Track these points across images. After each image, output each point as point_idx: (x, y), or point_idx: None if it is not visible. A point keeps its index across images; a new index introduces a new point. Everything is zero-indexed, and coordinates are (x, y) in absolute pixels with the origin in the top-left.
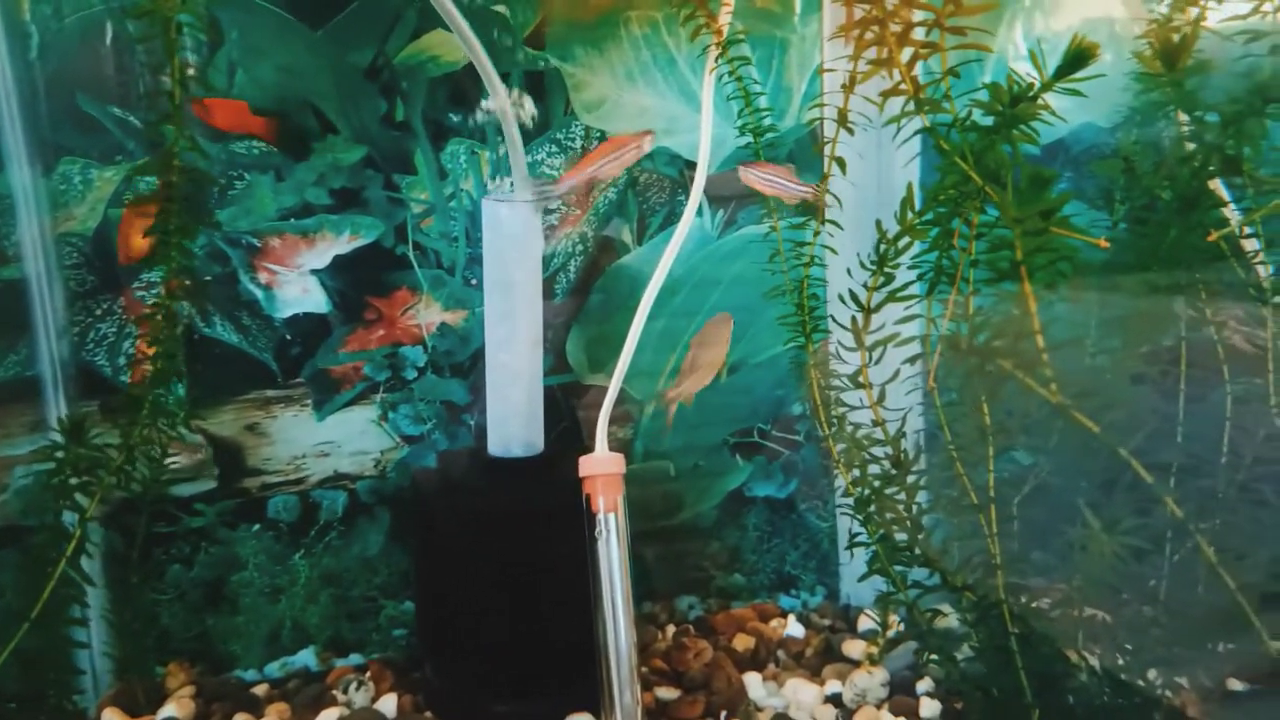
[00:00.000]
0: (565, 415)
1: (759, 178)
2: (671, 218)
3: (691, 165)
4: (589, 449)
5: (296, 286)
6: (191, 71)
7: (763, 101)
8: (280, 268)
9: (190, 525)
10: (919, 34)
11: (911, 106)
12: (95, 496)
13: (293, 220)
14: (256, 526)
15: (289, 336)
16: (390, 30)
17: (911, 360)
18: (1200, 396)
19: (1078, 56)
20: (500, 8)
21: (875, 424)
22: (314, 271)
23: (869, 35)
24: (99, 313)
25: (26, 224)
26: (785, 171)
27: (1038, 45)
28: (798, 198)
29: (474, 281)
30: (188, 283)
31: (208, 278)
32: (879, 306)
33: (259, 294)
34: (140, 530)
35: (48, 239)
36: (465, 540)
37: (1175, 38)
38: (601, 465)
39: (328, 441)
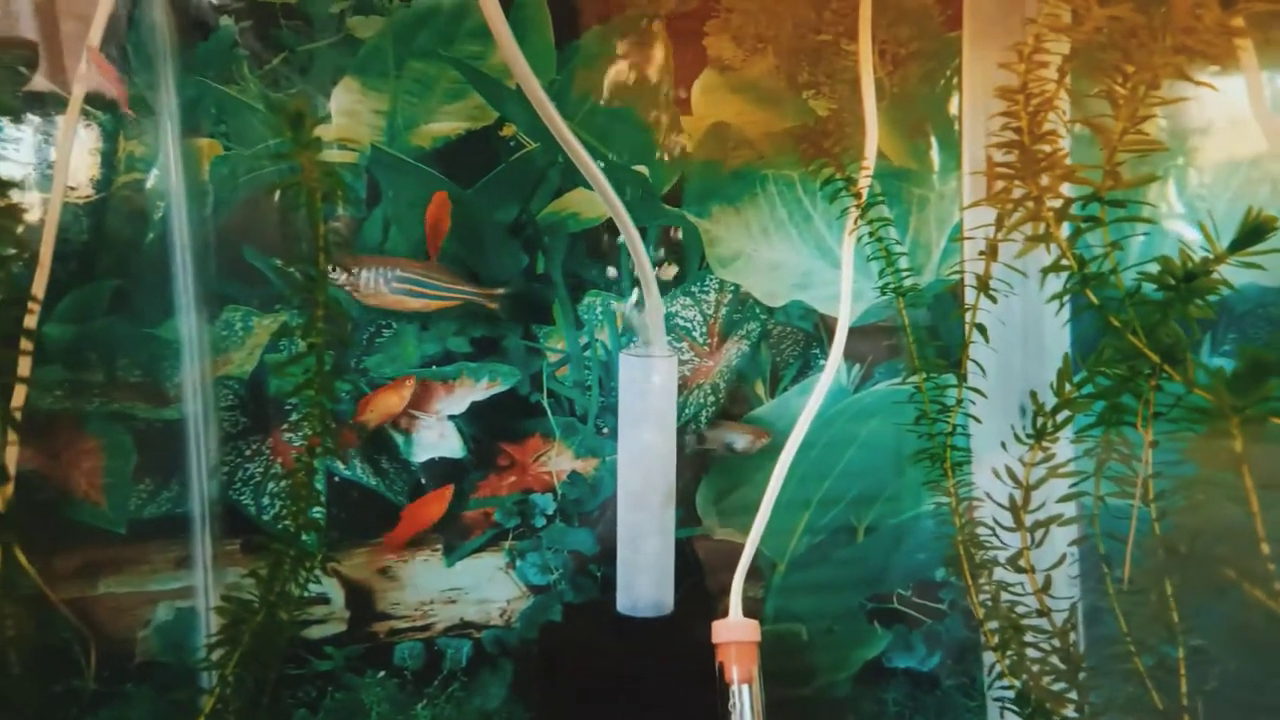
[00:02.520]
0: (694, 571)
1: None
2: (805, 371)
3: (826, 319)
4: (716, 607)
5: (434, 431)
6: (339, 227)
7: (904, 261)
8: (420, 413)
9: (318, 669)
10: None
11: (1076, 283)
12: (237, 651)
13: (434, 367)
14: (382, 673)
15: (423, 480)
16: (534, 189)
17: (1077, 543)
18: None
19: (1256, 229)
20: (641, 167)
21: (1040, 613)
22: (451, 417)
23: (1023, 210)
24: (248, 453)
25: (189, 368)
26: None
27: (1207, 215)
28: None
29: (605, 430)
30: (329, 435)
31: (350, 422)
32: (1039, 484)
33: (398, 438)
34: (272, 673)
35: (207, 382)
36: (589, 700)
37: None
38: (736, 632)
39: (455, 588)
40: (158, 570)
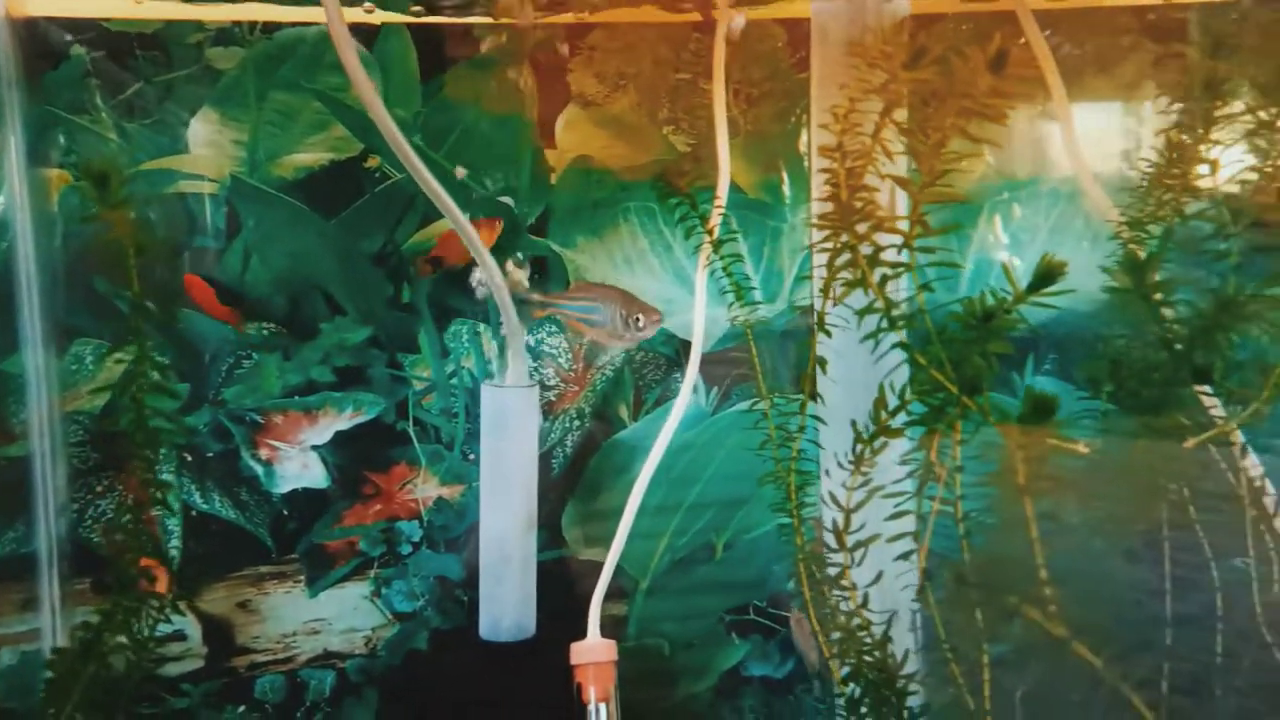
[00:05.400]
0: (558, 593)
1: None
2: (667, 394)
3: (686, 344)
4: (580, 628)
5: (297, 462)
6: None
7: (757, 294)
8: (282, 444)
9: (175, 706)
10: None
11: (885, 324)
12: (73, 695)
13: (297, 398)
14: (242, 708)
15: (286, 512)
16: (400, 219)
17: (904, 557)
18: (1186, 595)
19: (1046, 275)
20: (506, 199)
21: (861, 628)
22: (315, 447)
23: (842, 259)
24: (99, 489)
25: (36, 403)
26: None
27: (1009, 259)
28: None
29: (472, 457)
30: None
31: (209, 454)
32: (859, 506)
33: (259, 470)
34: (120, 716)
35: (55, 417)
36: None
37: (1142, 256)
38: (593, 653)
39: (319, 619)
40: (1, 613)
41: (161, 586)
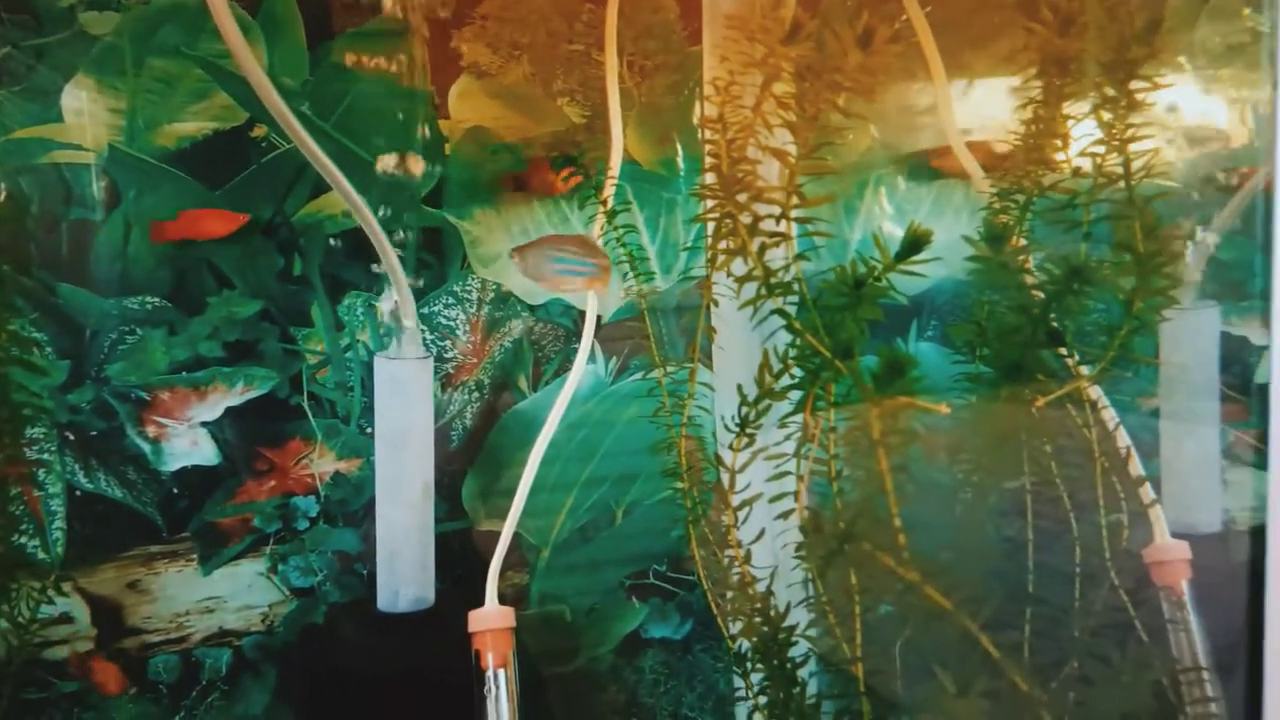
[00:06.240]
0: (458, 563)
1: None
2: (565, 365)
3: (585, 315)
4: (479, 597)
5: (186, 439)
6: None
7: (653, 265)
8: (170, 421)
9: (62, 690)
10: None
11: (764, 291)
12: None
13: (184, 374)
14: (134, 689)
15: (176, 490)
16: (289, 190)
17: (784, 516)
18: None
19: (914, 243)
20: (398, 171)
21: (745, 583)
22: (204, 424)
23: (724, 226)
24: None
25: None
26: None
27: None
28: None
29: (369, 430)
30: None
31: (93, 433)
32: (744, 467)
33: (146, 448)
34: (4, 698)
35: None
36: (351, 701)
37: (1002, 224)
38: (490, 620)
39: (213, 597)
40: None
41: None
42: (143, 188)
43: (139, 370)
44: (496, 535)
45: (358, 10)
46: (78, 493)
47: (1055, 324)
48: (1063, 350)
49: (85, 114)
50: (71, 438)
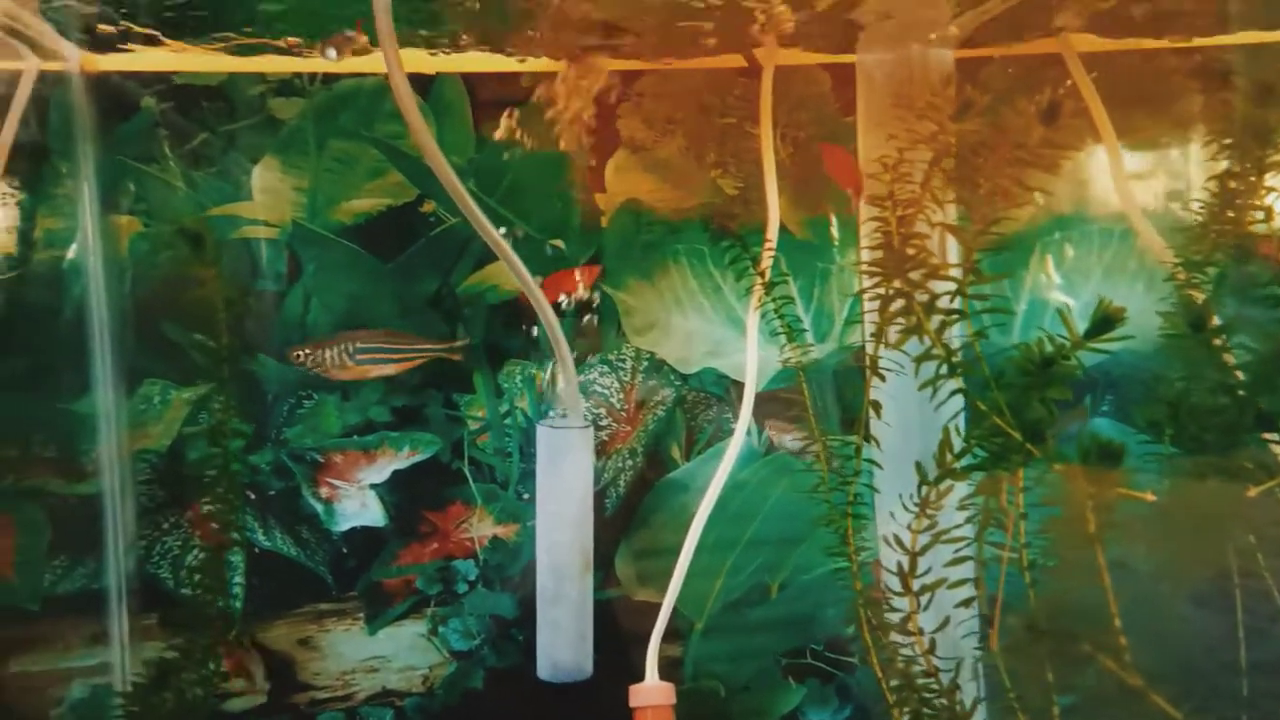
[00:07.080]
0: (614, 633)
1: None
2: (718, 435)
3: (737, 385)
4: (636, 668)
5: (356, 501)
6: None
7: (809, 337)
8: (341, 482)
9: None
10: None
11: (945, 370)
12: None
13: (355, 437)
14: None
15: (345, 550)
16: (455, 263)
17: (965, 603)
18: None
19: (1105, 320)
20: (557, 241)
21: (927, 674)
22: (373, 486)
23: (895, 306)
24: (166, 526)
25: (106, 442)
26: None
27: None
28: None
29: (526, 496)
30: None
31: (271, 492)
32: (924, 550)
33: (319, 508)
34: None
35: (124, 456)
36: None
37: (1199, 301)
38: (652, 696)
39: (377, 656)
40: (72, 647)
41: None
42: (321, 260)
43: (314, 433)
44: (649, 605)
45: (519, 90)
46: (256, 550)
47: (1266, 406)
48: (1268, 435)
49: (271, 192)
50: (253, 497)
